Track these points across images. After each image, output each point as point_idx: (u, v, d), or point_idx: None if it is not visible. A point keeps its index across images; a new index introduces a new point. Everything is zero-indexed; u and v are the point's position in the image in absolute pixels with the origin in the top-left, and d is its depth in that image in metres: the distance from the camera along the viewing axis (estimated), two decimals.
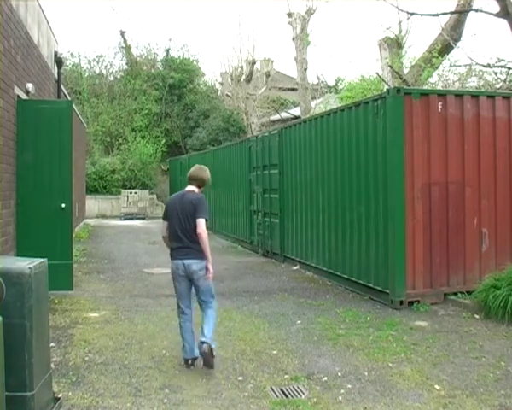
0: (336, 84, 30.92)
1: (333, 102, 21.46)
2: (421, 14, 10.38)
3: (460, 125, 7.89)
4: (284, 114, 25.91)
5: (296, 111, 24.50)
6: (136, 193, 24.63)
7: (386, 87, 13.27)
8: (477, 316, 6.93)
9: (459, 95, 8.10)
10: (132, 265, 11.27)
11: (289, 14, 22.01)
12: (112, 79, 30.01)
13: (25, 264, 3.79)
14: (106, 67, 30.07)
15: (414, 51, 34.90)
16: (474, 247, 7.89)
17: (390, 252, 7.56)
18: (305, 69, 22.28)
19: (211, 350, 5.03)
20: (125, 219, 23.50)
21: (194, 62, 30.60)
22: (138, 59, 30.34)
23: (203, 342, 5.02)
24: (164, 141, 27.54)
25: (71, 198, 8.25)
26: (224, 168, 16.45)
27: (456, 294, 7.64)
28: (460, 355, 5.54)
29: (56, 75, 12.17)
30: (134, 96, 28.21)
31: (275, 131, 12.41)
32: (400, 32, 15.97)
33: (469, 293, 7.47)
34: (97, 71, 29.86)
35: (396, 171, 7.52)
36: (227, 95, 29.98)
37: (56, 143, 8.07)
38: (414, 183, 7.59)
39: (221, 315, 7.14)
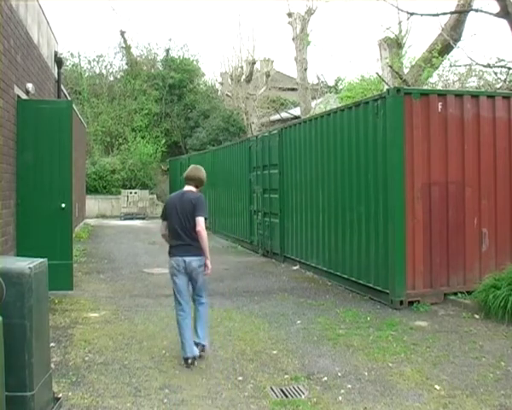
0: (336, 84, 30.93)
1: (333, 102, 21.46)
2: (421, 14, 10.39)
3: (460, 125, 7.89)
4: (284, 114, 25.91)
5: (296, 111, 24.50)
6: (136, 193, 24.64)
7: (386, 87, 13.27)
8: (477, 316, 6.93)
9: (459, 95, 8.10)
10: (132, 265, 11.27)
11: (289, 14, 22.01)
12: (112, 79, 30.02)
13: (25, 264, 3.79)
14: (106, 67, 30.12)
15: (414, 51, 34.96)
16: (474, 247, 7.89)
17: (390, 252, 7.56)
18: (305, 69, 22.28)
19: (203, 350, 5.42)
20: (125, 219, 23.50)
21: (194, 62, 30.62)
22: (138, 59, 30.35)
23: (197, 344, 5.35)
24: (164, 141, 27.55)
25: (71, 198, 8.25)
26: (224, 168, 16.45)
27: (456, 294, 7.64)
28: (460, 355, 5.54)
29: (56, 75, 12.17)
30: (134, 96, 28.22)
31: (275, 131, 12.41)
32: (400, 32, 15.98)
33: (469, 293, 7.47)
34: (97, 71, 29.88)
35: (396, 171, 7.52)
36: (227, 95, 29.99)
37: (56, 143, 8.08)
38: (414, 183, 7.59)
39: (221, 315, 7.16)
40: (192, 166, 5.86)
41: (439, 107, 7.77)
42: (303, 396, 4.54)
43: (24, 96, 8.24)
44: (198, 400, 4.45)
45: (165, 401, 4.42)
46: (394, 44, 15.89)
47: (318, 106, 22.04)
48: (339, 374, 5.02)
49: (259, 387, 4.73)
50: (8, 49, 7.21)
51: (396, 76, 14.58)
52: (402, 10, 11.87)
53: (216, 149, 18.68)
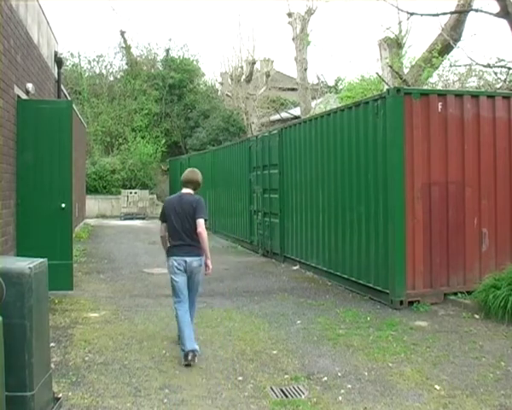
0: (336, 84, 30.93)
1: (333, 102, 21.46)
2: (421, 14, 10.40)
3: (460, 125, 7.89)
4: (284, 114, 25.91)
5: (296, 111, 24.50)
6: (136, 193, 24.64)
7: (386, 87, 13.27)
8: (477, 316, 6.93)
9: (459, 95, 8.10)
10: (132, 265, 11.27)
11: (289, 14, 22.01)
12: (112, 79, 30.02)
13: (25, 264, 3.78)
14: (106, 67, 30.11)
15: (414, 51, 34.97)
16: (474, 247, 7.89)
17: (390, 252, 7.56)
18: (305, 69, 22.28)
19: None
20: (125, 219, 23.50)
21: (194, 62, 30.62)
22: (138, 59, 30.35)
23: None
24: (164, 141, 27.55)
25: (71, 198, 8.25)
26: (224, 168, 16.45)
27: (456, 294, 7.64)
28: (460, 355, 5.54)
29: (56, 75, 12.17)
30: (134, 96, 28.22)
31: (275, 131, 12.41)
32: (400, 32, 15.98)
33: (469, 293, 7.47)
34: (97, 71, 29.87)
35: (396, 171, 7.52)
36: (227, 95, 29.99)
37: (56, 143, 8.07)
38: (414, 183, 7.59)
39: (221, 315, 7.16)
40: (188, 169, 6.08)
41: (439, 107, 7.77)
42: (303, 396, 4.53)
43: (24, 96, 8.24)
44: (198, 400, 4.45)
45: (165, 401, 4.42)
46: (394, 44, 15.90)
47: (318, 106, 22.04)
48: (339, 374, 5.02)
49: (259, 387, 4.73)
50: (8, 49, 7.21)
51: (396, 76, 14.59)
52: (402, 10, 11.89)
53: (216, 149, 18.69)
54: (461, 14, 13.15)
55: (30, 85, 8.58)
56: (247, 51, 27.01)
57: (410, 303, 7.46)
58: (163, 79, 28.27)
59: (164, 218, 5.73)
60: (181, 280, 5.52)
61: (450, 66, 15.23)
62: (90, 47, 53.15)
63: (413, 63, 15.36)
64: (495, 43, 32.83)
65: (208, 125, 25.89)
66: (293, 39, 22.01)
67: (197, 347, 5.38)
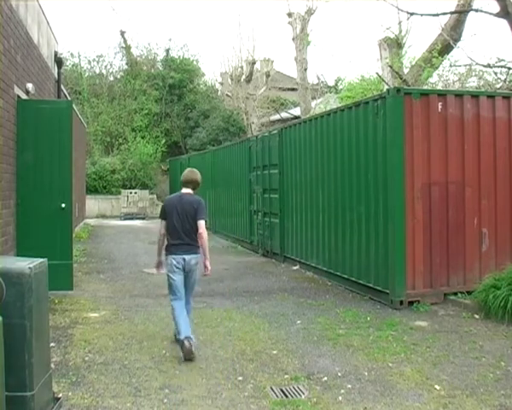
0: (336, 84, 30.93)
1: (333, 102, 21.46)
2: (421, 14, 10.40)
3: (460, 125, 7.89)
4: (284, 114, 25.91)
5: (296, 111, 24.50)
6: (136, 193, 24.64)
7: (386, 87, 13.27)
8: (477, 316, 6.93)
9: (459, 95, 8.10)
10: (132, 265, 11.28)
11: (289, 14, 22.01)
12: (112, 79, 30.02)
13: (25, 264, 3.78)
14: (106, 67, 30.12)
15: (414, 51, 34.96)
16: (474, 247, 7.89)
17: (390, 252, 7.56)
18: (305, 69, 22.28)
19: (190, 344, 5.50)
20: (125, 219, 23.50)
21: (194, 62, 30.62)
22: (138, 59, 30.35)
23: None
24: (164, 141, 27.55)
25: (71, 198, 8.25)
26: (224, 168, 16.45)
27: (456, 294, 7.64)
28: (460, 355, 5.54)
29: (56, 75, 12.17)
30: (134, 96, 28.22)
31: (275, 131, 12.41)
32: (400, 32, 15.98)
33: (469, 293, 7.47)
34: (97, 71, 29.88)
35: (396, 171, 7.52)
36: (227, 95, 29.99)
37: (56, 143, 8.07)
38: (414, 183, 7.59)
39: (221, 315, 7.16)
40: (188, 169, 6.22)
41: (439, 107, 7.77)
42: (303, 396, 4.53)
43: (24, 96, 8.24)
44: (198, 400, 4.45)
45: (165, 401, 4.42)
46: (394, 44, 15.90)
47: (318, 106, 22.03)
48: (339, 374, 5.02)
49: (259, 387, 4.73)
50: (8, 49, 7.21)
51: (396, 76, 14.59)
52: (402, 10, 11.89)
53: (216, 149, 18.69)
54: (461, 14, 13.16)
55: (30, 85, 8.58)
56: (247, 51, 27.06)
57: (410, 303, 7.46)
58: (163, 79, 28.27)
59: (164, 216, 5.86)
60: (178, 279, 5.71)
61: (450, 66, 15.24)
62: (90, 47, 53.24)
63: (413, 63, 15.36)
64: (495, 43, 32.87)
65: (208, 125, 25.89)
66: (293, 39, 22.01)
67: (192, 335, 5.51)
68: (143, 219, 23.60)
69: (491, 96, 8.23)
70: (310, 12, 21.61)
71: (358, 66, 52.88)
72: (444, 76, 16.39)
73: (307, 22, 21.68)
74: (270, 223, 12.35)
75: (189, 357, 5.34)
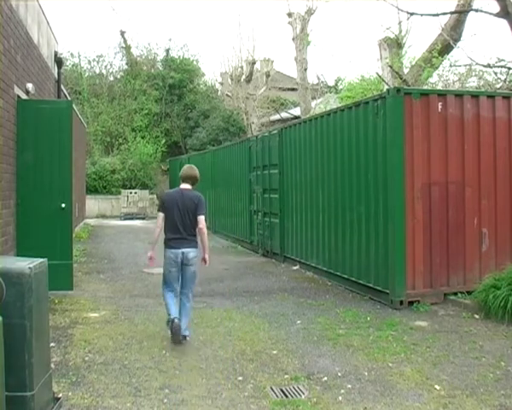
0: (336, 84, 30.93)
1: (333, 102, 21.46)
2: (421, 14, 10.40)
3: (460, 125, 7.89)
4: (284, 114, 25.91)
5: (296, 111, 24.50)
6: (136, 193, 24.64)
7: (386, 87, 13.27)
8: (477, 316, 6.93)
9: (459, 95, 8.10)
10: (132, 265, 11.28)
11: (289, 14, 22.01)
12: (112, 79, 30.02)
13: (25, 264, 3.78)
14: (106, 67, 30.12)
15: (414, 51, 34.97)
16: (474, 247, 7.89)
17: (390, 252, 7.56)
18: (305, 69, 22.28)
19: (185, 338, 5.90)
20: (125, 219, 23.50)
21: (194, 62, 30.62)
22: (138, 59, 30.35)
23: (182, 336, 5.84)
24: (164, 141, 27.54)
25: (71, 198, 8.25)
26: (224, 168, 16.45)
27: (456, 294, 7.64)
28: (460, 355, 5.54)
29: (56, 75, 12.17)
30: (134, 96, 28.22)
31: (275, 131, 12.41)
32: (400, 32, 15.98)
33: (469, 293, 7.47)
34: (97, 71, 29.87)
35: (396, 171, 7.52)
36: (227, 95, 29.99)
37: (56, 143, 8.07)
38: (414, 183, 7.59)
39: (221, 315, 7.16)
40: (186, 165, 6.40)
41: (439, 107, 7.77)
42: (303, 396, 4.53)
43: (24, 96, 8.24)
44: (198, 400, 4.45)
45: (165, 401, 4.42)
46: (394, 44, 15.90)
47: (318, 106, 22.03)
48: (339, 374, 5.02)
49: (259, 387, 4.73)
50: (8, 49, 7.21)
51: (396, 76, 14.59)
52: (402, 10, 11.89)
53: (216, 149, 18.69)
54: (461, 14, 13.16)
55: (30, 85, 8.58)
56: (247, 51, 27.06)
57: (410, 303, 7.46)
58: (163, 79, 28.27)
59: (163, 209, 6.03)
60: (174, 271, 5.93)
61: (450, 66, 15.24)
62: (90, 47, 53.25)
63: (413, 63, 15.36)
64: (495, 43, 32.86)
65: (208, 125, 25.88)
66: (293, 39, 22.01)
67: (188, 332, 5.94)
68: (143, 219, 23.59)
69: (491, 96, 8.23)
70: (310, 12, 21.61)
71: (358, 66, 52.92)
72: (444, 76, 16.41)
73: (307, 22, 21.68)
74: (270, 223, 12.35)
75: (176, 333, 5.73)
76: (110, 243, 15.17)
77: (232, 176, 15.47)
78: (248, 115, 26.56)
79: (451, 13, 12.69)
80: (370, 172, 8.07)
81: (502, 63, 12.30)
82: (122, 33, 29.98)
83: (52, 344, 5.50)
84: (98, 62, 29.77)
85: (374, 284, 7.94)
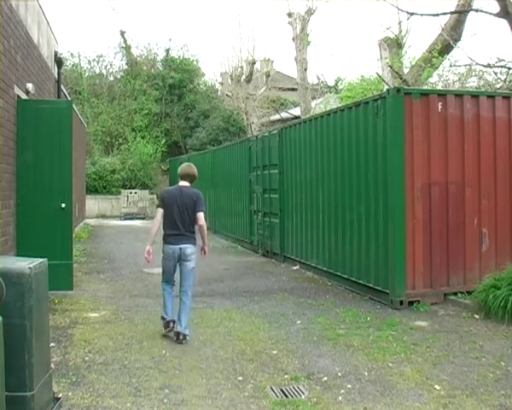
0: (336, 84, 30.93)
1: (333, 102, 21.46)
2: (421, 14, 10.39)
3: (460, 125, 7.89)
4: (284, 114, 25.91)
5: (296, 111, 24.49)
6: (136, 193, 24.64)
7: (386, 87, 13.27)
8: (477, 316, 6.93)
9: (459, 95, 8.10)
10: (132, 265, 11.27)
11: (289, 14, 22.00)
12: (112, 79, 30.02)
13: (25, 264, 3.78)
14: (106, 67, 30.11)
15: (414, 51, 34.96)
16: (474, 247, 7.89)
17: (390, 252, 7.56)
18: (305, 69, 22.28)
19: (185, 338, 5.96)
20: (125, 219, 23.50)
21: (194, 62, 30.61)
22: (138, 59, 30.34)
23: (179, 333, 5.94)
24: (164, 141, 27.54)
25: (71, 198, 8.25)
26: (224, 168, 16.45)
27: (456, 294, 7.64)
28: (460, 355, 5.54)
29: (56, 75, 12.17)
30: (134, 96, 28.21)
31: (275, 131, 12.41)
32: (400, 32, 15.98)
33: (469, 293, 7.47)
34: (97, 71, 29.87)
35: (396, 171, 7.52)
36: (227, 95, 29.99)
37: (56, 143, 8.07)
38: (414, 183, 7.59)
39: (221, 315, 7.16)
40: (185, 163, 6.55)
41: (439, 107, 7.77)
42: (303, 396, 4.53)
43: (24, 96, 8.24)
44: (198, 400, 4.45)
45: (165, 401, 4.42)
46: (394, 44, 15.90)
47: (318, 106, 22.03)
48: (339, 374, 5.02)
49: (259, 387, 4.73)
50: (8, 49, 7.21)
51: (396, 76, 14.59)
52: (402, 10, 11.89)
53: (216, 149, 18.69)
54: (461, 14, 13.15)
55: (30, 85, 8.58)
56: (247, 51, 27.05)
57: (410, 303, 7.46)
58: (163, 79, 28.26)
59: (162, 206, 6.14)
60: (171, 264, 6.12)
61: (450, 66, 15.24)
62: (90, 47, 53.23)
63: (413, 63, 15.36)
64: (495, 43, 32.87)
65: (208, 125, 25.88)
66: (293, 39, 22.01)
67: (185, 328, 5.98)
68: (143, 219, 23.58)
69: (491, 96, 8.23)
70: (310, 12, 21.61)
71: (358, 66, 52.89)
72: (444, 76, 16.41)
73: (307, 22, 21.68)
74: (270, 223, 12.35)
75: (169, 332, 6.08)
76: (110, 243, 15.17)
77: (232, 176, 15.47)
78: (248, 115, 26.56)
79: (451, 13, 12.69)
80: (370, 172, 8.07)
81: (502, 63, 12.31)
82: (122, 33, 30.01)
83: (52, 344, 5.50)
84: (98, 62, 29.80)
85: (374, 284, 7.94)
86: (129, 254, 12.88)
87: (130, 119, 27.79)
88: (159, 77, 28.51)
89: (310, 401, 4.45)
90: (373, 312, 7.31)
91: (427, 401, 4.42)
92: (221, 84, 32.71)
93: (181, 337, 5.93)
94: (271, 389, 4.69)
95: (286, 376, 4.99)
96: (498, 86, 13.69)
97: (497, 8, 9.02)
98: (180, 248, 6.01)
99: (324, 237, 9.64)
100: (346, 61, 47.41)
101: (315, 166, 10.05)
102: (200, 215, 6.06)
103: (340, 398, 4.49)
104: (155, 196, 25.51)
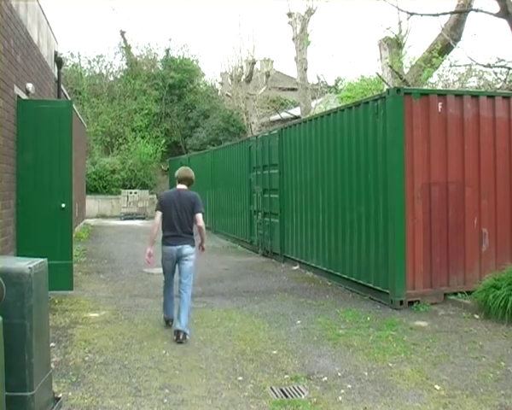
0: (336, 84, 30.93)
1: (333, 102, 21.46)
2: (421, 14, 10.39)
3: (460, 125, 7.89)
4: (284, 114, 25.91)
5: (296, 111, 24.49)
6: (136, 193, 24.64)
7: (386, 87, 13.27)
8: (477, 316, 6.93)
9: (459, 95, 8.10)
10: (132, 265, 11.27)
11: (289, 14, 22.00)
12: (112, 79, 30.02)
13: (25, 264, 3.78)
14: (106, 67, 30.12)
15: (414, 51, 34.96)
16: (474, 247, 7.89)
17: (390, 252, 7.56)
18: (305, 69, 22.28)
19: (185, 338, 5.96)
20: (125, 219, 23.50)
21: (194, 62, 30.62)
22: (138, 59, 30.35)
23: (179, 331, 5.95)
24: (164, 141, 27.54)
25: (71, 198, 8.25)
26: (224, 168, 16.45)
27: (456, 294, 7.64)
28: (460, 355, 5.54)
29: (56, 75, 12.17)
30: (134, 96, 28.22)
31: (275, 131, 12.41)
32: (400, 32, 15.98)
33: (469, 293, 7.47)
34: (97, 71, 29.87)
35: (396, 171, 7.52)
36: (227, 95, 29.99)
37: (56, 143, 8.07)
38: (414, 183, 7.59)
39: (221, 315, 7.16)
40: (182, 167, 6.75)
41: (439, 107, 7.77)
42: (303, 396, 4.53)
43: (24, 96, 8.24)
44: (198, 400, 4.45)
45: (165, 401, 4.42)
46: (394, 44, 15.90)
47: (318, 106, 22.03)
48: (339, 374, 5.02)
49: (259, 387, 4.73)
50: (8, 49, 7.21)
51: (396, 76, 14.59)
52: (402, 10, 11.89)
53: (216, 149, 18.69)
54: (461, 14, 13.15)
55: (30, 85, 8.58)
56: (247, 51, 27.05)
57: (410, 303, 7.46)
58: (163, 79, 28.26)
59: (161, 209, 6.33)
60: (170, 265, 6.33)
61: (450, 66, 15.24)
62: (90, 47, 53.22)
63: (413, 63, 15.36)
64: (495, 43, 32.86)
65: (208, 125, 25.88)
66: (293, 39, 22.01)
67: (184, 326, 6.03)
68: (143, 219, 23.59)
69: (491, 96, 8.23)
70: (310, 12, 21.61)
71: (358, 66, 52.88)
72: (444, 76, 16.41)
73: (307, 22, 21.67)
74: (270, 223, 12.35)
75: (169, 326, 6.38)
76: (110, 243, 15.17)
77: (232, 176, 15.46)
78: (248, 115, 26.56)
79: (451, 13, 12.68)
80: (370, 172, 8.07)
81: (502, 63, 12.30)
82: (122, 33, 30.01)
83: (52, 344, 5.50)
84: (98, 62, 29.81)
85: (374, 284, 7.94)
86: (129, 254, 12.88)
87: (130, 119, 27.80)
88: (159, 77, 28.52)
89: (310, 401, 4.45)
90: (373, 312, 7.31)
91: (427, 401, 4.42)
92: (221, 84, 32.71)
93: (181, 337, 5.93)
94: (271, 389, 4.69)
95: (286, 376, 4.99)
96: (498, 86, 13.69)
97: (497, 8, 9.02)
98: (178, 249, 6.18)
99: (324, 237, 9.64)
100: (346, 61, 47.44)
101: (315, 166, 10.05)
102: (199, 216, 6.26)
103: (340, 398, 4.49)
104: (155, 196, 25.53)
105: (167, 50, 30.00)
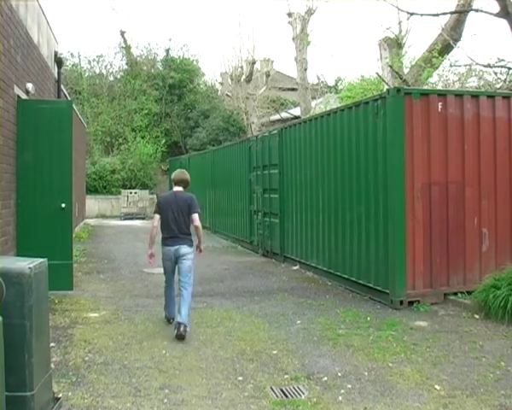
0: (336, 84, 30.95)
1: (333, 102, 21.46)
2: (421, 14, 10.39)
3: (460, 125, 7.89)
4: (284, 114, 25.91)
5: (296, 111, 24.49)
6: (136, 193, 24.64)
7: (386, 87, 13.27)
8: (477, 316, 6.93)
9: (459, 95, 8.10)
10: (132, 265, 11.27)
11: (289, 14, 22.00)
12: (112, 79, 30.04)
13: (25, 264, 3.78)
14: (106, 67, 30.14)
15: (414, 51, 34.99)
16: (474, 247, 7.88)
17: (390, 252, 7.56)
18: (305, 69, 22.27)
19: (185, 331, 6.01)
20: (125, 219, 23.50)
21: (194, 62, 30.63)
22: (138, 59, 30.36)
23: (180, 323, 6.01)
24: (164, 141, 27.55)
25: (71, 198, 8.25)
26: (224, 168, 16.45)
27: (456, 294, 7.64)
28: (460, 355, 5.54)
29: (56, 75, 12.17)
30: (134, 96, 28.23)
31: (275, 131, 12.40)
32: (400, 32, 15.99)
33: (469, 293, 7.47)
34: (97, 71, 29.89)
35: (396, 171, 7.51)
36: (227, 95, 29.99)
37: (56, 143, 8.07)
38: (414, 183, 7.59)
39: (221, 315, 7.16)
40: (178, 170, 6.91)
41: (439, 107, 7.77)
42: (303, 396, 4.53)
43: (24, 96, 8.24)
44: (198, 400, 4.45)
45: (165, 401, 4.42)
46: (394, 44, 15.90)
47: (318, 106, 22.03)
48: (339, 374, 5.02)
49: (259, 387, 4.73)
50: (8, 49, 7.21)
51: (396, 76, 14.59)
52: (402, 10, 11.89)
53: (216, 149, 18.68)
54: (461, 14, 13.16)
55: (30, 85, 8.58)
56: (247, 51, 27.05)
57: (410, 303, 7.46)
58: (163, 79, 28.27)
59: (159, 211, 6.48)
60: (169, 264, 6.47)
61: (451, 66, 15.24)
62: (90, 47, 53.27)
63: (413, 63, 15.37)
64: (495, 43, 32.86)
65: (208, 125, 25.89)
66: (293, 39, 22.01)
67: (185, 321, 6.07)
68: (143, 219, 23.58)
69: (491, 96, 8.23)
70: (310, 12, 21.61)
71: (358, 66, 52.91)
72: (444, 76, 16.40)
73: (307, 22, 21.67)
74: (270, 223, 12.35)
75: (179, 333, 6.15)
76: (110, 243, 15.17)
77: (232, 176, 15.46)
78: (248, 115, 26.56)
79: (451, 13, 12.69)
80: (370, 172, 8.07)
81: (502, 63, 12.31)
82: (122, 33, 30.03)
83: (52, 344, 5.50)
84: (98, 62, 29.82)
85: (374, 284, 7.94)
86: (129, 254, 12.88)
87: (130, 119, 27.81)
88: (159, 77, 28.53)
89: (310, 401, 4.45)
90: (373, 312, 7.31)
91: (427, 401, 4.42)
92: (221, 84, 32.72)
93: (181, 329, 5.95)
94: (271, 389, 4.69)
95: (286, 376, 4.99)
96: (498, 86, 13.69)
97: (497, 8, 9.02)
98: (175, 249, 6.34)
99: (324, 237, 9.64)
100: (346, 61, 47.44)
101: (315, 166, 10.05)
102: (195, 216, 6.41)
103: (340, 398, 4.49)
104: (155, 196, 25.53)
105: (167, 50, 30.04)
